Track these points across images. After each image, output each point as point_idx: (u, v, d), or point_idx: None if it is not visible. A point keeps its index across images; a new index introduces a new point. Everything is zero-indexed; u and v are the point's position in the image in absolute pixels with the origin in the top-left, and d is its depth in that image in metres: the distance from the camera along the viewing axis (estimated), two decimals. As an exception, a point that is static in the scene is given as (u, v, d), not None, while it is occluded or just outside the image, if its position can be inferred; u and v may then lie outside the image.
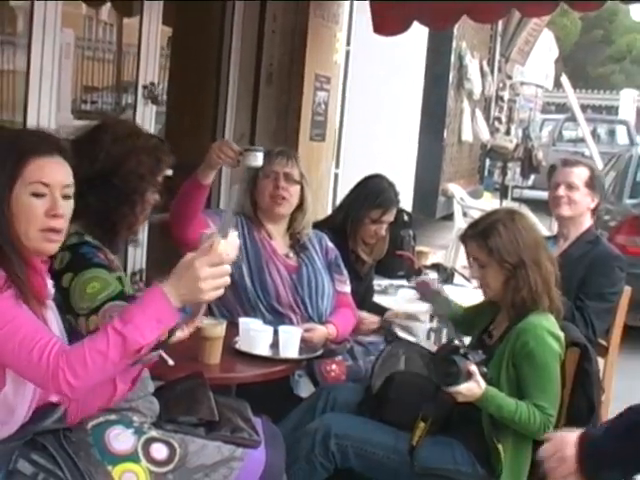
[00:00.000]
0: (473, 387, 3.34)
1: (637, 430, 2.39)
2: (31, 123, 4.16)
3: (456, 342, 3.44)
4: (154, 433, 2.89)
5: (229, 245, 2.48)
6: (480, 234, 3.55)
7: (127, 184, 3.12)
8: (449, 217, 12.47)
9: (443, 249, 10.69)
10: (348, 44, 7.81)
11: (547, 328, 3.44)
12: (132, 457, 2.79)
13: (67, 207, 2.59)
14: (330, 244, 4.44)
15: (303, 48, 6.27)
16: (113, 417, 2.86)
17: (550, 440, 2.57)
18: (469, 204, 11.95)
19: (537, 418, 3.36)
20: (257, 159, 3.88)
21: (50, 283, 2.68)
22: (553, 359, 3.41)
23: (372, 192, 4.85)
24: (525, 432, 3.40)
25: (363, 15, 6.43)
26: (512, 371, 3.44)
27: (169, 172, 4.85)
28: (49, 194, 2.54)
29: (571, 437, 2.49)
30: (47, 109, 4.27)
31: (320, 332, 4.03)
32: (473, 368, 3.34)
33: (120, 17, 6.29)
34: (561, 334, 3.47)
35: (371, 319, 4.55)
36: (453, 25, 7.78)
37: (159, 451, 2.83)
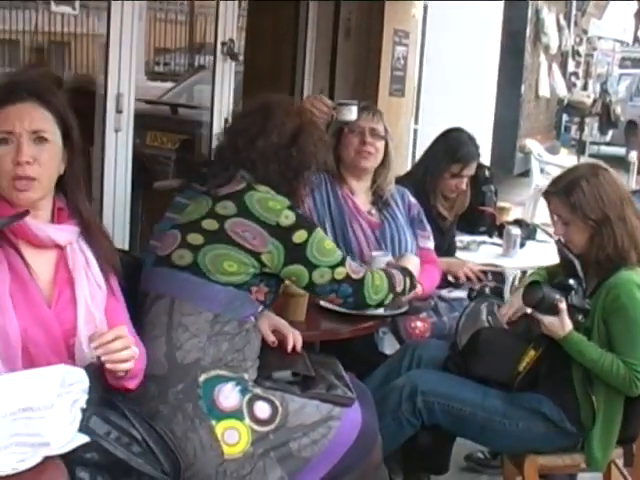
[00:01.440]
0: (555, 323, 3.35)
1: None
2: (112, 86, 4.19)
3: (571, 281, 3.41)
4: (257, 390, 2.90)
5: None
6: (562, 190, 3.46)
7: (304, 157, 3.18)
8: (526, 173, 12.32)
9: (521, 206, 10.55)
10: (426, -2, 7.72)
11: (637, 282, 3.35)
12: (237, 414, 2.82)
13: (40, 152, 2.48)
14: (412, 199, 4.37)
15: (381, 2, 6.20)
16: (225, 372, 2.87)
17: None
18: (546, 160, 11.78)
19: (621, 370, 3.30)
20: (352, 113, 3.89)
21: (64, 228, 2.58)
22: None
23: (452, 146, 4.79)
24: (613, 384, 3.34)
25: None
26: (603, 328, 3.38)
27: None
28: (15, 141, 2.45)
29: None
30: (127, 72, 4.30)
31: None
32: (562, 305, 3.34)
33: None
34: None
35: (467, 270, 4.53)
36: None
37: (262, 410, 2.85)
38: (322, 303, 3.64)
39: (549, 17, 13.62)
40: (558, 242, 3.61)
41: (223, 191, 3.02)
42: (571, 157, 14.67)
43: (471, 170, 4.82)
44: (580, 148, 15.91)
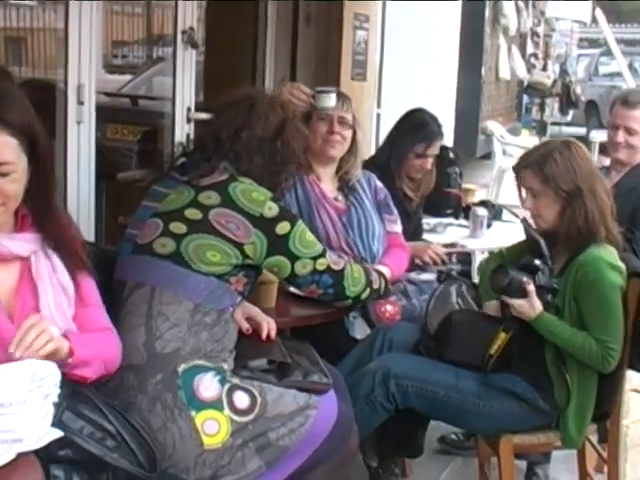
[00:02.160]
0: (525, 305, 3.38)
1: None
2: (72, 77, 4.16)
3: (537, 262, 3.42)
4: (236, 380, 2.89)
5: None
6: (535, 162, 3.46)
7: (288, 150, 3.19)
8: (489, 156, 12.33)
9: (484, 188, 10.58)
10: (385, -19, 7.69)
11: (606, 259, 3.36)
12: (216, 405, 2.80)
13: (4, 184, 2.38)
14: (379, 184, 4.37)
15: (341, -14, 6.16)
16: (204, 362, 2.85)
17: None
18: (508, 142, 11.79)
19: (593, 348, 3.32)
20: (331, 100, 3.91)
21: (26, 238, 2.51)
22: (613, 291, 3.34)
23: (415, 126, 4.79)
24: (586, 362, 3.36)
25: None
26: (574, 305, 3.39)
27: (206, 116, 4.76)
28: None
29: None
30: (87, 63, 4.27)
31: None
32: (530, 287, 3.35)
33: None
34: (622, 265, 3.39)
35: (431, 252, 4.52)
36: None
37: (241, 400, 2.84)
38: (291, 289, 3.63)
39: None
40: (524, 221, 3.62)
41: (205, 181, 3.01)
42: (532, 138, 14.66)
43: (435, 149, 4.83)
44: (541, 129, 15.95)
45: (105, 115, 8.93)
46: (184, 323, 2.85)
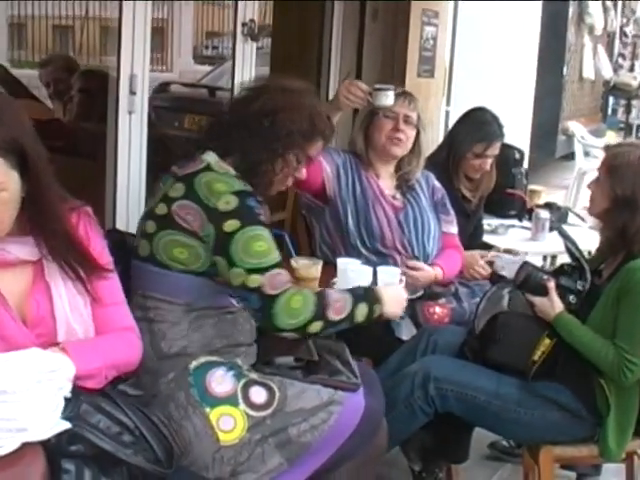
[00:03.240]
0: (545, 303, 3.36)
1: None
2: (125, 67, 4.16)
3: (564, 263, 3.43)
4: (254, 376, 2.84)
5: None
6: (615, 152, 3.40)
7: (275, 131, 2.97)
8: (570, 156, 12.14)
9: (564, 189, 10.42)
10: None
11: None
12: (231, 400, 2.76)
13: None
14: (437, 183, 4.31)
15: (409, -17, 6.09)
16: (215, 358, 2.82)
17: None
18: (591, 143, 11.57)
19: (610, 356, 3.22)
20: (388, 98, 3.81)
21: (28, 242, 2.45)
22: None
23: (475, 125, 4.71)
24: (603, 370, 3.26)
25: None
26: (616, 310, 3.28)
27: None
28: None
29: None
30: (141, 53, 4.24)
31: (427, 272, 3.96)
32: (550, 284, 3.34)
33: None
34: None
35: (481, 269, 4.38)
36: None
37: (258, 394, 2.79)
38: (334, 287, 3.58)
39: (594, -3, 13.40)
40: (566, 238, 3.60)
41: (182, 172, 2.92)
42: (618, 140, 14.46)
43: (495, 150, 4.73)
44: (627, 130, 15.68)
45: (183, 105, 9.02)
46: (184, 321, 2.82)
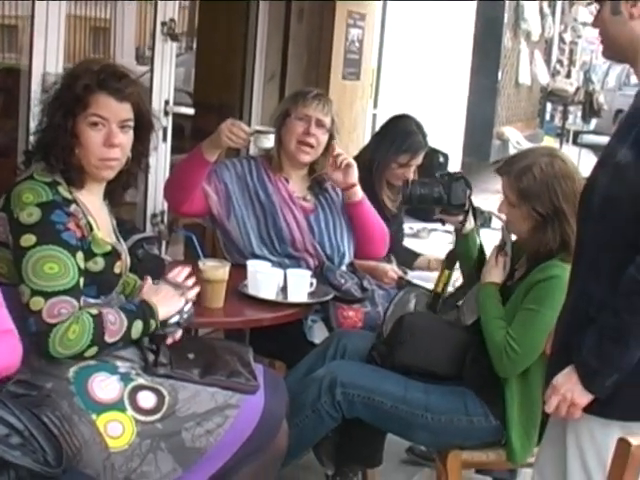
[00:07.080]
0: (494, 265, 3.44)
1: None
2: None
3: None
4: (142, 380, 2.78)
5: None
6: (514, 173, 3.25)
7: (63, 96, 2.78)
8: (504, 161, 12.17)
9: (498, 194, 10.42)
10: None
11: (564, 278, 3.11)
12: (118, 406, 2.69)
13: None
14: None
15: (334, -16, 6.05)
16: (92, 363, 2.72)
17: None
18: (524, 148, 11.65)
19: (498, 337, 3.23)
20: (269, 141, 3.84)
21: None
22: (551, 309, 3.07)
23: (399, 136, 4.64)
24: (490, 353, 3.27)
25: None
26: (520, 303, 3.27)
27: (190, 111, 4.65)
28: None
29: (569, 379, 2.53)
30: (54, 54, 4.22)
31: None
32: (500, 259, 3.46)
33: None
34: None
35: (392, 273, 4.35)
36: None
37: (146, 399, 2.73)
38: (244, 290, 3.60)
39: (529, 3, 13.46)
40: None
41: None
42: (555, 145, 14.57)
43: (419, 160, 4.70)
44: (564, 136, 15.83)
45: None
46: None
